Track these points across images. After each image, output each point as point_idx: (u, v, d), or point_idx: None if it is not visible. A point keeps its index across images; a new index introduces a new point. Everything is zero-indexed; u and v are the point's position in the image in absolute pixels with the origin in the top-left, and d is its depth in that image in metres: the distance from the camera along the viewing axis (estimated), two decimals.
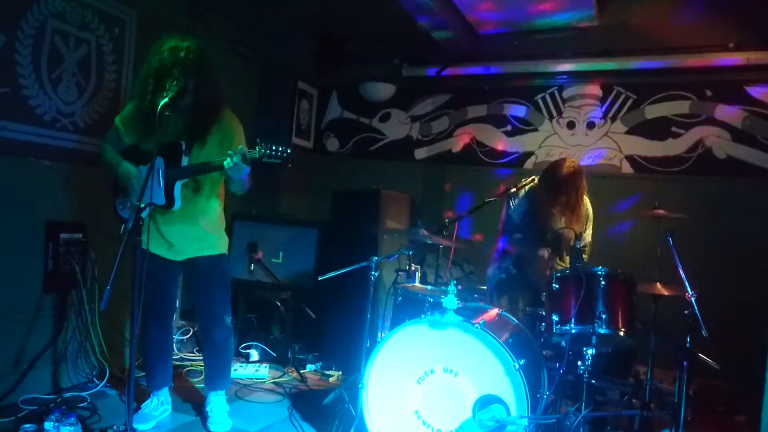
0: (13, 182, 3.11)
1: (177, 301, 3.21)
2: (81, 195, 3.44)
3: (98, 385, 3.40)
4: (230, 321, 3.17)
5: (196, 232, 2.98)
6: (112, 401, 3.30)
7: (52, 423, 2.63)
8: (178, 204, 2.85)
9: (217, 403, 3.16)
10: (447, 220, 3.52)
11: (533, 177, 3.57)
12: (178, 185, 2.84)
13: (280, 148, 2.62)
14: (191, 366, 3.97)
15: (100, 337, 3.49)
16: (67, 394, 3.28)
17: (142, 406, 3.11)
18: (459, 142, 5.25)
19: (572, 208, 3.40)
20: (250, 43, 4.82)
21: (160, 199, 2.81)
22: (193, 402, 3.38)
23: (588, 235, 3.60)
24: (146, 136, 2.80)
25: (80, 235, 3.40)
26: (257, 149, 2.62)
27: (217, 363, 3.18)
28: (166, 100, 2.53)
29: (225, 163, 2.65)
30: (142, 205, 2.43)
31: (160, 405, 3.14)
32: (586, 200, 3.53)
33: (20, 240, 3.17)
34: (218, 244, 3.08)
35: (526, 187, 3.56)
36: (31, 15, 3.10)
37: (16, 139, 3.11)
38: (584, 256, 3.49)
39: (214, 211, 3.06)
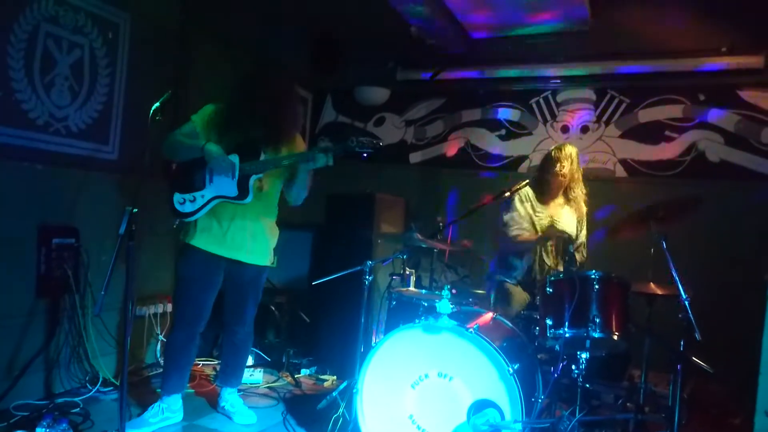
0: (5, 186, 3.09)
1: (210, 310, 3.16)
2: (73, 199, 3.42)
3: (91, 390, 3.38)
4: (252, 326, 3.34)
5: (255, 229, 3.10)
6: (106, 407, 3.27)
7: (43, 429, 2.61)
8: (250, 196, 2.97)
9: (235, 399, 3.34)
10: (440, 224, 3.52)
11: (526, 181, 3.58)
12: (252, 178, 2.97)
13: (373, 141, 2.87)
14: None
15: (93, 342, 3.47)
16: (60, 400, 3.25)
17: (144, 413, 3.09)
18: (453, 146, 5.26)
19: (572, 186, 3.52)
20: (245, 46, 4.81)
21: (232, 191, 2.94)
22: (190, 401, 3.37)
23: (582, 236, 3.62)
24: (231, 137, 2.97)
25: (73, 240, 3.37)
26: (346, 141, 2.85)
27: (236, 361, 3.36)
28: (157, 104, 2.60)
29: (311, 153, 2.93)
30: (213, 196, 2.89)
31: (160, 412, 3.09)
32: (582, 195, 3.56)
33: (12, 244, 3.14)
34: (267, 253, 3.20)
35: (520, 192, 3.56)
36: (24, 19, 3.08)
37: (8, 144, 3.09)
38: (578, 255, 3.51)
39: (274, 214, 3.26)
